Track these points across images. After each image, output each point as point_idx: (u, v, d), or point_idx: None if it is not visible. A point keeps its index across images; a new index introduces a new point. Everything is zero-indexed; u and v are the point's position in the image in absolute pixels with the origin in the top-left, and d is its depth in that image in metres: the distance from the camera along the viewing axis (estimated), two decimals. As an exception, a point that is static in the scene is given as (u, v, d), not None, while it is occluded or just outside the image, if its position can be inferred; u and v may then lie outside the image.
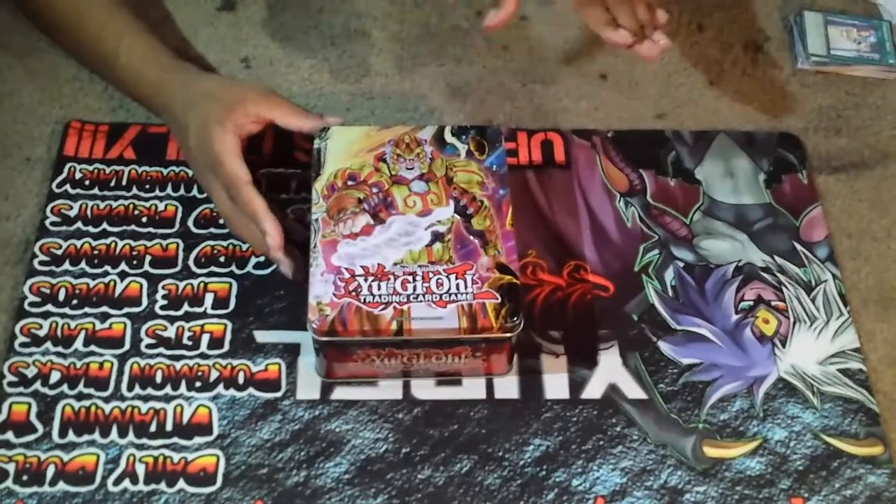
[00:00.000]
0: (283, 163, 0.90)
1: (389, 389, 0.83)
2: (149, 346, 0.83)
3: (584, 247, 0.91)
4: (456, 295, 0.77)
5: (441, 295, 0.77)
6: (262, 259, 0.88)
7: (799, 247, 0.92)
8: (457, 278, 0.78)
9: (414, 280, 0.78)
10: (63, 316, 0.84)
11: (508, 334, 0.78)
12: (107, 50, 0.89)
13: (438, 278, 0.78)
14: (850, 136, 1.00)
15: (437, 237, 0.80)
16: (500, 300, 0.77)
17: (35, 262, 0.87)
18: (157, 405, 0.81)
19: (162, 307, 0.85)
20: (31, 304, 0.85)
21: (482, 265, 0.79)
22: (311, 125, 0.85)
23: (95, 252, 0.88)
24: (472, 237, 0.81)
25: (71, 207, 0.90)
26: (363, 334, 0.76)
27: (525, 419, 0.82)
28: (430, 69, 1.03)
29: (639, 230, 0.93)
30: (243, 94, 0.84)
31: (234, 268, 0.88)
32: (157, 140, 0.94)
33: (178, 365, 0.83)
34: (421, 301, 0.77)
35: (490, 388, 0.83)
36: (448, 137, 0.86)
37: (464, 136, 0.86)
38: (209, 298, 0.86)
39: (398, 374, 0.82)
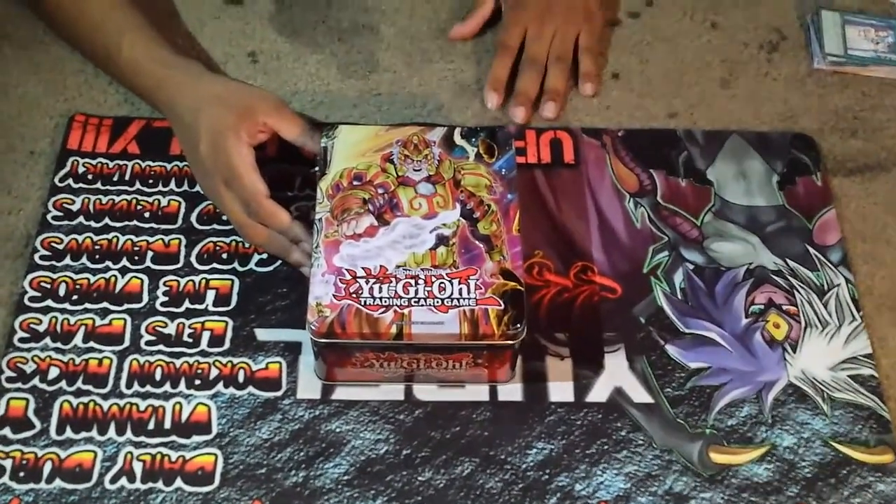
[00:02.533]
0: (287, 159, 0.89)
1: (391, 390, 0.81)
2: (149, 343, 0.83)
3: (592, 247, 0.90)
4: (458, 300, 0.76)
5: (443, 300, 0.76)
6: (264, 256, 0.87)
7: (812, 250, 0.90)
8: (460, 283, 0.77)
9: (416, 283, 0.76)
10: (63, 311, 0.84)
11: (510, 342, 0.76)
12: (108, 44, 0.89)
13: (441, 282, 0.77)
14: (866, 138, 0.99)
15: (441, 241, 0.79)
16: (503, 307, 0.76)
17: (36, 256, 0.86)
18: (156, 403, 0.80)
19: (163, 304, 0.85)
20: (31, 299, 0.84)
21: (486, 270, 0.78)
22: (313, 147, 0.84)
23: (97, 247, 0.87)
24: (477, 242, 0.79)
25: (73, 202, 0.89)
26: (362, 337, 0.75)
27: (528, 422, 0.81)
28: (439, 66, 1.02)
29: (648, 231, 0.91)
30: (253, 101, 0.84)
31: (236, 265, 0.87)
32: (161, 135, 0.93)
33: (177, 362, 0.82)
34: (422, 305, 0.76)
35: (493, 390, 0.82)
36: (458, 139, 0.85)
37: (473, 139, 0.85)
38: (210, 295, 0.85)
39: (399, 378, 0.81)
